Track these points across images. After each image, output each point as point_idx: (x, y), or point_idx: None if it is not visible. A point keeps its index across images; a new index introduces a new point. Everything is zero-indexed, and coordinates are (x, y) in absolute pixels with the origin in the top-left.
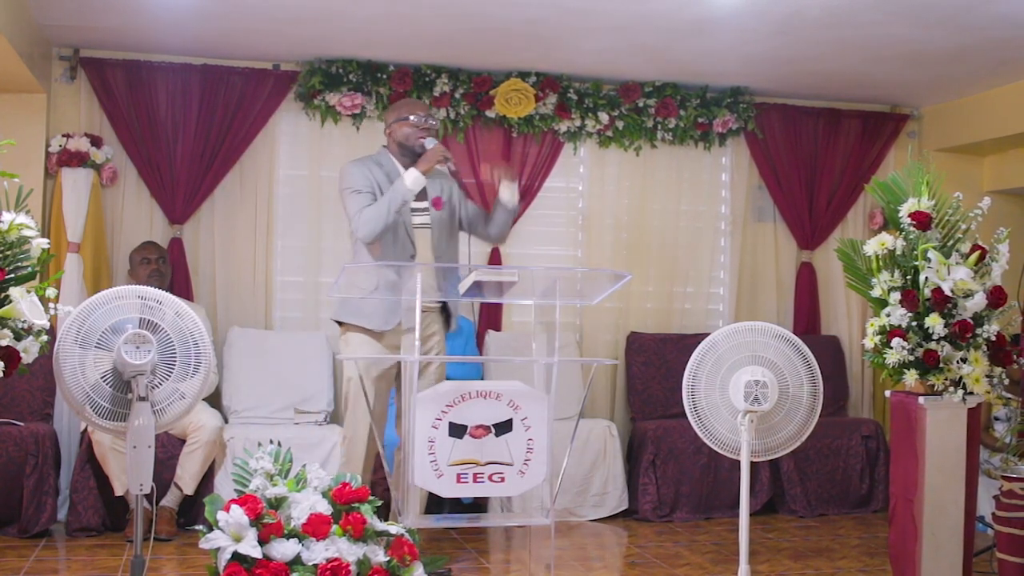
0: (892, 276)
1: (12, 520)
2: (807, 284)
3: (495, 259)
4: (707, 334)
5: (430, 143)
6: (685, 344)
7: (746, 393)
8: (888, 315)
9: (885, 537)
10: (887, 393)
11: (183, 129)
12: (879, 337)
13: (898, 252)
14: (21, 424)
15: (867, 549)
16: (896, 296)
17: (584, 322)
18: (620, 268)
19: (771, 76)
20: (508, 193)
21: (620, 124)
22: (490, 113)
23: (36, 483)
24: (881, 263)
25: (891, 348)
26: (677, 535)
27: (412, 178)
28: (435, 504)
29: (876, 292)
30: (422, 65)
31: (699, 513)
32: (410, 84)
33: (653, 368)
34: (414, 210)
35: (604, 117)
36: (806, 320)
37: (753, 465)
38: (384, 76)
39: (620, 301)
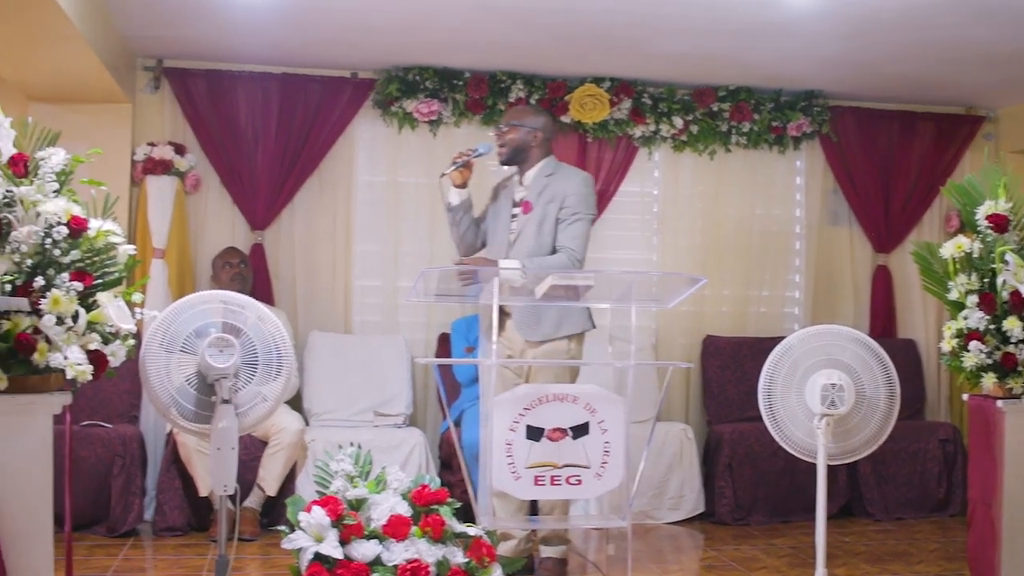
0: (969, 279)
1: (100, 519)
2: (883, 287)
3: None
4: (783, 337)
5: (483, 148)
6: (761, 347)
7: (822, 396)
8: (965, 318)
9: (963, 542)
10: (965, 396)
11: (263, 137)
12: (956, 340)
13: (975, 255)
14: (109, 426)
15: (945, 553)
16: (973, 299)
17: (660, 325)
18: (695, 272)
19: (845, 79)
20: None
21: (694, 128)
22: (565, 118)
23: (123, 484)
24: (958, 266)
25: (968, 351)
26: (754, 538)
27: (445, 187)
28: None
29: (953, 295)
30: (497, 72)
31: (776, 516)
32: (486, 90)
33: (729, 371)
34: (512, 215)
35: (678, 122)
36: (882, 323)
37: (830, 468)
38: (460, 83)
39: (695, 304)
